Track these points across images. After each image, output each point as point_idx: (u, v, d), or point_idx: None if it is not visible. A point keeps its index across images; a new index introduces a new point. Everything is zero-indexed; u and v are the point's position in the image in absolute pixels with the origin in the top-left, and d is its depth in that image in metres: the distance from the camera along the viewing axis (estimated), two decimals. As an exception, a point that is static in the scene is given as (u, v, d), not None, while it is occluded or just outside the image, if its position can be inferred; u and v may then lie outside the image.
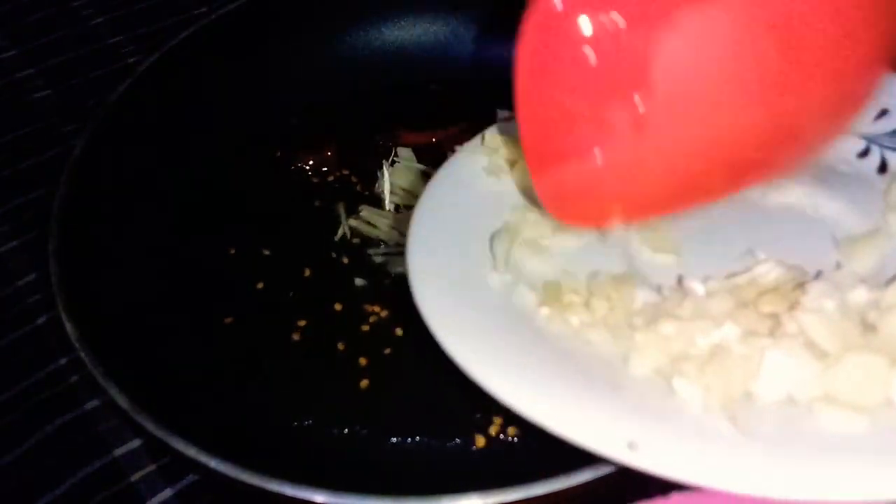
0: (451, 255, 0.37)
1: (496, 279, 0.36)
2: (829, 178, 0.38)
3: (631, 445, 0.28)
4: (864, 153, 0.40)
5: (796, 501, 0.27)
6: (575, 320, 0.34)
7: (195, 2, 0.73)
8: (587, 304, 0.34)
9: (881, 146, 0.40)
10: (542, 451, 0.41)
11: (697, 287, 0.34)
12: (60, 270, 0.42)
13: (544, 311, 0.35)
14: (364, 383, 0.45)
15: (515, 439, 0.42)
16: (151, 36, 0.71)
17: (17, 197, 0.58)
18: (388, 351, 0.46)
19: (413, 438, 0.42)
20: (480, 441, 0.42)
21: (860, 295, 0.31)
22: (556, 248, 0.38)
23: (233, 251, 0.51)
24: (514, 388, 0.31)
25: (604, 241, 0.37)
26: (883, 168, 0.39)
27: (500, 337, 0.33)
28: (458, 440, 0.42)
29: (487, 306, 0.35)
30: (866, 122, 0.40)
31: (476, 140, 0.43)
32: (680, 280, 0.35)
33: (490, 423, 0.43)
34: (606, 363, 0.32)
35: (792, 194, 0.38)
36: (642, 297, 0.35)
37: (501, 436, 0.42)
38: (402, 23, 0.63)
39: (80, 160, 0.48)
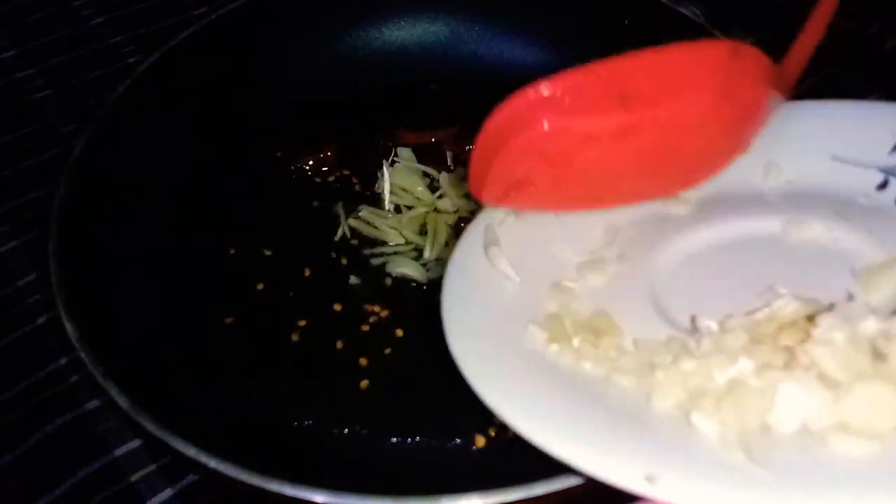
0: (483, 303, 0.38)
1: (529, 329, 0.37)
2: (848, 211, 0.39)
3: (649, 478, 0.29)
4: (883, 185, 0.41)
5: None
6: (588, 365, 0.35)
7: (195, 2, 0.73)
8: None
9: None
10: (542, 451, 0.41)
11: (711, 325, 0.34)
12: (60, 270, 0.42)
13: (553, 347, 0.36)
14: (364, 383, 0.45)
15: (515, 439, 0.42)
16: (151, 36, 0.71)
17: (17, 197, 0.58)
18: (388, 351, 0.46)
19: (413, 438, 0.42)
20: (480, 441, 0.42)
21: (870, 325, 0.31)
22: (581, 289, 0.39)
23: (233, 251, 0.51)
24: (539, 427, 0.32)
25: (628, 277, 0.39)
26: None
27: (527, 377, 0.34)
28: (458, 440, 0.42)
29: (515, 348, 0.36)
30: (883, 156, 0.42)
31: None
32: (693, 319, 0.35)
33: (490, 423, 0.43)
34: (631, 401, 0.33)
35: (812, 230, 0.39)
36: (664, 331, 0.36)
37: (501, 436, 0.42)
38: (402, 23, 0.63)
39: (80, 160, 0.48)
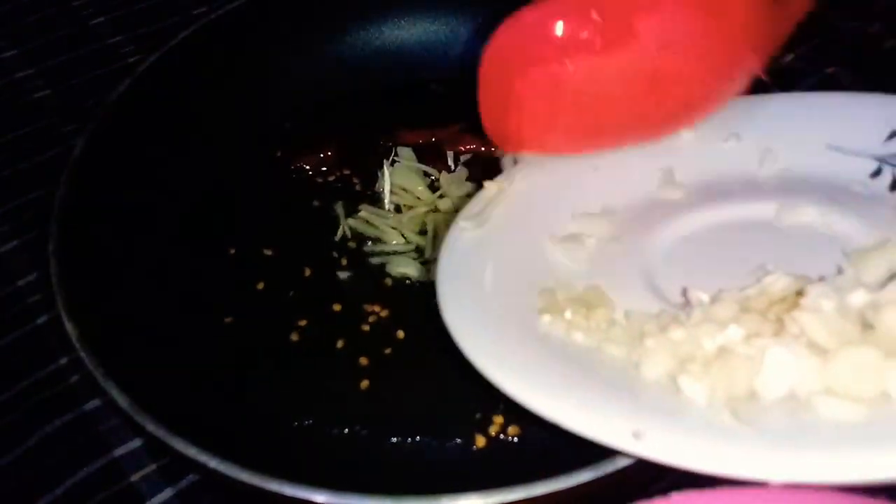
0: (477, 274, 0.39)
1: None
2: (842, 197, 0.40)
3: (636, 435, 0.29)
4: (877, 173, 0.42)
5: (796, 483, 0.28)
6: (580, 336, 0.35)
7: (195, 2, 0.73)
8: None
9: (892, 165, 0.42)
10: (542, 451, 0.41)
11: (702, 296, 0.35)
12: (60, 270, 0.42)
13: (546, 318, 0.36)
14: (364, 383, 0.45)
15: (515, 439, 0.42)
16: (151, 36, 0.71)
17: (17, 197, 0.58)
18: (388, 351, 0.46)
19: (413, 438, 0.42)
20: (480, 441, 0.42)
21: (859, 297, 0.32)
22: (575, 267, 0.40)
23: (233, 251, 0.51)
24: (525, 386, 0.32)
25: (622, 257, 0.40)
26: (895, 186, 0.41)
27: (518, 344, 0.35)
28: (458, 440, 0.42)
29: (507, 317, 0.36)
30: (878, 144, 0.42)
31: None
32: (685, 292, 0.36)
33: (490, 423, 0.43)
34: (621, 370, 0.33)
35: (806, 214, 0.39)
36: (656, 306, 0.36)
37: (501, 436, 0.42)
38: (402, 23, 0.63)
39: (80, 160, 0.48)
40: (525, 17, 0.40)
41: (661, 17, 0.39)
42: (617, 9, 0.39)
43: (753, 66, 0.43)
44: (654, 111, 0.43)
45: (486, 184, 0.44)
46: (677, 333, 0.33)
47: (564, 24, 0.39)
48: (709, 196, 0.42)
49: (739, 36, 0.42)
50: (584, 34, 0.39)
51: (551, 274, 0.39)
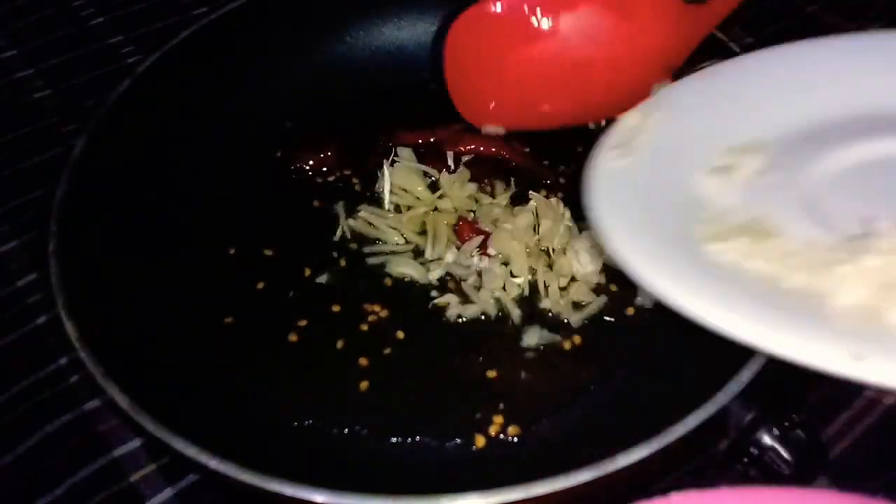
0: (632, 197, 0.39)
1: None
2: None
3: (855, 356, 0.28)
4: None
5: None
6: (756, 263, 0.34)
7: (195, 2, 0.73)
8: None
9: None
10: (542, 451, 0.41)
11: (890, 225, 0.33)
12: (60, 270, 0.42)
13: (714, 246, 0.35)
14: (364, 384, 0.45)
15: (515, 439, 0.42)
16: (151, 36, 0.71)
17: (17, 197, 0.58)
18: (388, 351, 0.46)
19: (413, 438, 0.42)
20: (480, 441, 0.42)
21: None
22: (733, 201, 0.38)
23: (233, 251, 0.51)
24: (724, 315, 0.31)
25: (782, 188, 0.38)
26: None
27: (698, 278, 0.34)
28: (458, 440, 0.42)
29: (677, 248, 0.35)
30: None
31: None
32: (866, 221, 0.34)
33: (490, 423, 0.43)
34: (804, 299, 0.32)
35: None
36: (827, 238, 0.34)
37: (501, 436, 0.42)
38: (402, 23, 0.63)
39: (80, 160, 0.48)
40: (476, 10, 0.48)
41: (579, 15, 0.46)
42: (545, 7, 0.47)
43: (669, 59, 0.48)
44: (582, 96, 0.49)
45: (626, 114, 0.45)
46: (872, 261, 0.31)
47: (506, 18, 0.47)
48: (867, 131, 0.40)
49: (650, 33, 0.47)
50: (521, 26, 0.47)
51: (704, 207, 0.38)
